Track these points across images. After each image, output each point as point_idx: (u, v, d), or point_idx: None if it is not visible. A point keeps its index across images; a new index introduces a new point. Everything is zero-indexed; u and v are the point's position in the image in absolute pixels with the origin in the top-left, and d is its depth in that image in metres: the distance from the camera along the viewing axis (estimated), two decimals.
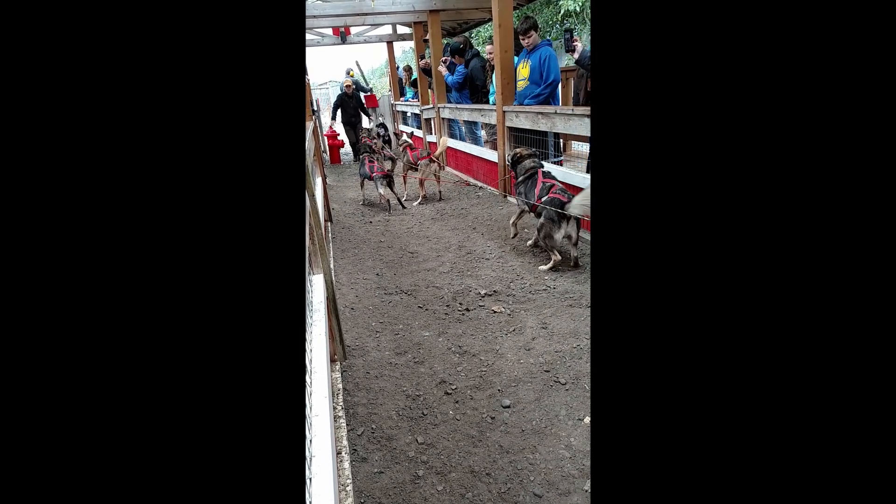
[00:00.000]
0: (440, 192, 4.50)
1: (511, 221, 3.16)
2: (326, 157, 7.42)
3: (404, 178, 4.71)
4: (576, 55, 3.11)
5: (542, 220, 2.62)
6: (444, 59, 4.94)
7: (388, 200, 4.26)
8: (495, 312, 2.23)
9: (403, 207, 4.32)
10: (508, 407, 1.60)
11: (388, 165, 4.37)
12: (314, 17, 5.65)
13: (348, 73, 9.04)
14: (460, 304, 2.36)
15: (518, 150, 3.13)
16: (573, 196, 2.54)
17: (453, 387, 1.74)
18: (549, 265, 2.64)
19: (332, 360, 1.87)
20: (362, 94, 7.93)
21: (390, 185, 4.22)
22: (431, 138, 6.07)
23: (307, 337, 1.22)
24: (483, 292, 2.45)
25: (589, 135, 2.93)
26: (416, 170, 4.44)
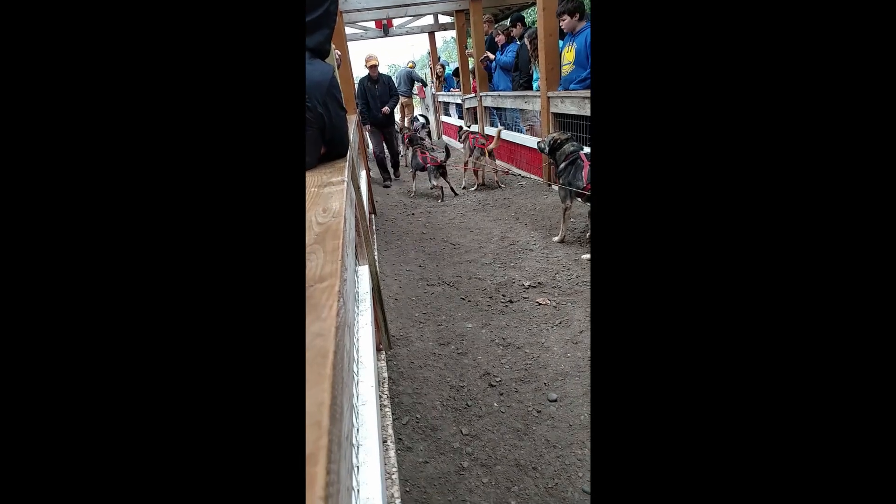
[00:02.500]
0: (497, 181, 4.50)
1: (562, 228, 2.88)
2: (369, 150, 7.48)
3: (475, 170, 4.70)
4: None
5: None
6: (486, 55, 4.96)
7: (442, 189, 4.35)
8: (540, 304, 2.19)
9: (455, 194, 4.39)
10: (555, 401, 1.57)
11: (441, 156, 4.35)
12: (357, 10, 5.72)
13: (408, 64, 8.88)
14: (503, 295, 2.33)
15: (554, 134, 2.93)
16: None
17: (497, 379, 1.72)
18: None
19: (378, 350, 1.90)
20: (397, 79, 7.16)
21: (444, 174, 4.28)
22: (475, 127, 6.01)
23: (355, 326, 1.23)
24: (527, 284, 2.40)
25: None
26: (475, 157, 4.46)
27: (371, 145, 5.22)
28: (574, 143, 2.82)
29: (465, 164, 4.61)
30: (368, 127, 5.06)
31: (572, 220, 3.07)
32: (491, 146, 4.29)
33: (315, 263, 0.51)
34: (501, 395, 1.64)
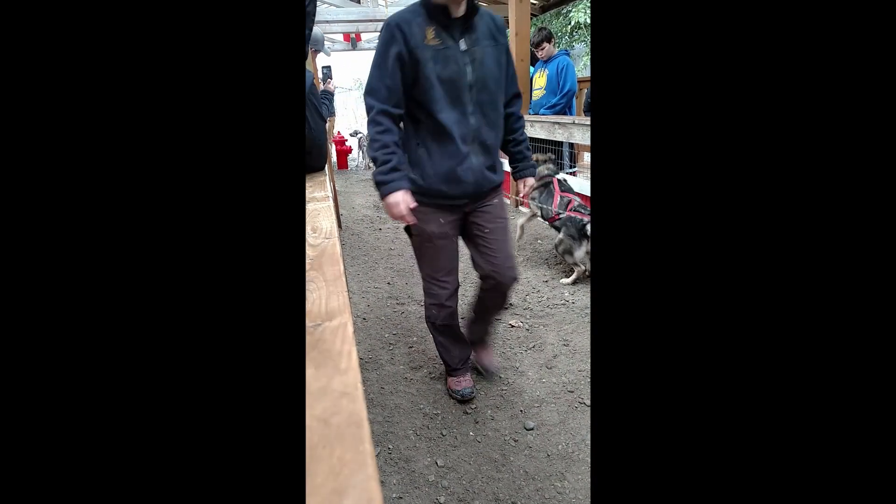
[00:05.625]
0: None
1: (519, 224, 2.95)
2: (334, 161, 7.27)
3: None
4: None
5: (560, 236, 2.53)
6: None
7: None
8: (513, 327, 2.15)
9: None
10: (532, 429, 1.52)
11: None
12: (326, 21, 5.64)
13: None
14: None
15: (535, 155, 3.00)
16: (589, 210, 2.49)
17: (473, 406, 1.65)
18: (573, 277, 2.54)
19: None
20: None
21: None
22: None
23: None
24: None
25: None
26: None
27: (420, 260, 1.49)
28: (551, 167, 2.85)
29: None
30: (423, 206, 1.29)
31: (539, 241, 3.09)
32: None
33: (317, 295, 0.44)
34: (477, 423, 1.58)
